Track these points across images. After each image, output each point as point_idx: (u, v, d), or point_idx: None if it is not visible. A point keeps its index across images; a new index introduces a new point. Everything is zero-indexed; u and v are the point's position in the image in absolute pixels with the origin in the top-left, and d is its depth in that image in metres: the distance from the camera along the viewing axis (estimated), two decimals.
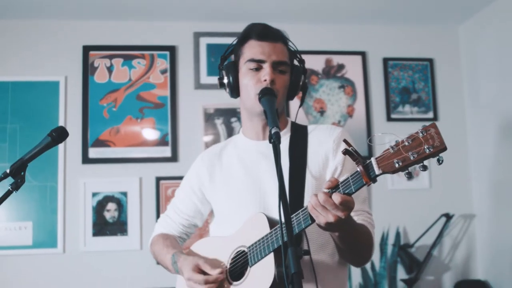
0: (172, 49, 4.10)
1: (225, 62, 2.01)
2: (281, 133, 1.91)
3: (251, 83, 1.87)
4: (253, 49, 1.90)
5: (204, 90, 4.03)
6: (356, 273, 3.89)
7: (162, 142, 3.98)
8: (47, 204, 3.80)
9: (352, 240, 1.69)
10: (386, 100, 4.29)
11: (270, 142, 1.61)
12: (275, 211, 1.80)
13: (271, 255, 1.68)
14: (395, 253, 3.96)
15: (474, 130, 4.26)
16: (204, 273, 1.80)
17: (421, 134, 1.34)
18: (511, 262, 3.80)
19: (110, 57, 4.05)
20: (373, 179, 1.43)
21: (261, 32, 1.91)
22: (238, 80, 1.94)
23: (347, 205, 1.48)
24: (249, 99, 1.90)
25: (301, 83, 1.99)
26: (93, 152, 3.91)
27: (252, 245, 1.76)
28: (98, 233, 3.83)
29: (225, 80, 1.96)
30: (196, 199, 2.10)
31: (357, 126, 4.21)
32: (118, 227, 3.84)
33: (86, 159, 3.89)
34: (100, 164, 3.91)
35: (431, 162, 1.40)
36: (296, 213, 1.62)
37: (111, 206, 3.86)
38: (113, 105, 3.99)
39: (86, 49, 4.03)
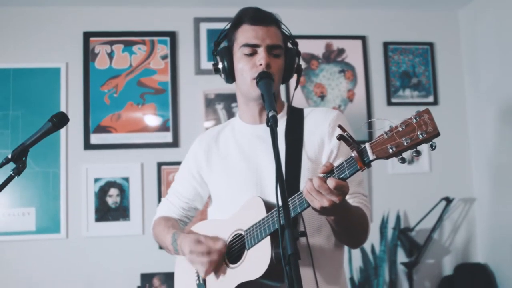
0: (172, 35, 4.11)
1: (218, 47, 2.01)
2: (278, 116, 1.92)
3: (247, 68, 1.88)
4: (246, 34, 1.89)
5: (204, 76, 4.04)
6: (356, 256, 3.92)
7: (163, 127, 3.99)
8: (49, 190, 3.83)
9: (348, 223, 1.71)
10: (386, 84, 4.30)
11: (267, 125, 1.61)
12: (272, 194, 1.82)
13: (268, 239, 1.70)
14: (395, 236, 3.99)
15: (475, 114, 4.27)
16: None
17: (414, 120, 1.35)
18: (511, 245, 3.83)
19: (111, 43, 4.05)
20: (367, 164, 1.44)
21: (254, 16, 1.91)
22: (233, 65, 1.94)
23: (341, 190, 1.49)
24: (245, 84, 1.90)
25: (295, 66, 1.99)
26: (95, 138, 3.93)
27: (249, 228, 1.78)
28: (100, 218, 3.86)
29: (220, 66, 1.96)
30: (195, 183, 2.11)
31: (357, 111, 4.22)
32: (120, 212, 3.87)
33: (88, 145, 3.91)
34: (102, 150, 3.93)
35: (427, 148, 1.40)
36: (292, 197, 1.64)
37: (113, 191, 3.89)
38: (114, 91, 4.00)
39: (87, 35, 4.03)
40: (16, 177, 2.03)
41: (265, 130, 1.88)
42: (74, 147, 3.91)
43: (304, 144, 1.89)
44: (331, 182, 1.48)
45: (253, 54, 1.88)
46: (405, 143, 1.35)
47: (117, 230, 3.85)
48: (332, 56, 4.28)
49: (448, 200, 4.05)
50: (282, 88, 4.03)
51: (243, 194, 1.89)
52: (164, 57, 4.08)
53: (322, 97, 4.22)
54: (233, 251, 1.86)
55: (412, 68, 4.35)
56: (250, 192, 1.88)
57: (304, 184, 1.80)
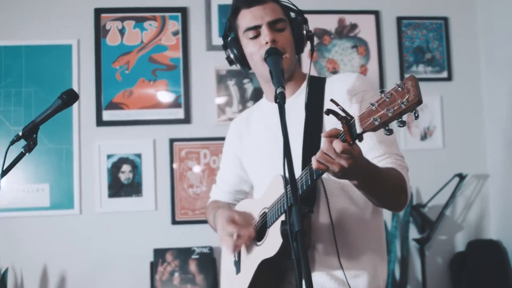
0: (183, 11, 4.08)
1: (227, 40, 2.03)
2: (299, 90, 1.96)
3: (255, 50, 1.89)
4: (245, 18, 1.91)
5: (216, 52, 4.01)
6: None
7: (175, 104, 3.99)
8: (63, 166, 3.86)
9: (376, 186, 1.65)
10: (399, 60, 4.25)
11: (275, 102, 1.60)
12: (297, 171, 1.82)
13: (283, 216, 1.71)
14: (408, 212, 3.98)
15: (489, 90, 4.22)
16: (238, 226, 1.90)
17: (399, 89, 1.27)
18: None
19: (122, 19, 4.03)
20: (356, 137, 1.40)
21: None
22: (243, 53, 1.96)
23: (349, 153, 1.43)
24: (257, 66, 1.92)
25: (305, 33, 1.96)
26: (107, 115, 3.94)
27: (270, 206, 1.82)
28: (113, 194, 3.89)
29: (232, 56, 1.98)
30: (236, 168, 2.20)
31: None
32: (133, 188, 3.90)
33: (100, 122, 3.93)
34: (114, 126, 3.94)
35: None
36: (306, 167, 1.63)
37: (126, 167, 3.91)
38: (125, 67, 3.99)
39: (98, 12, 4.01)
40: (27, 154, 2.05)
41: (288, 106, 1.87)
42: (86, 124, 3.93)
43: (324, 116, 1.84)
44: (337, 145, 1.42)
45: (257, 35, 1.88)
46: (389, 114, 1.28)
47: (130, 206, 3.88)
48: (344, 32, 4.24)
49: (461, 177, 4.03)
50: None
51: (271, 172, 1.90)
52: (175, 33, 4.06)
53: (335, 72, 4.19)
54: (260, 229, 1.91)
55: (426, 43, 4.29)
56: (277, 170, 1.85)
57: None
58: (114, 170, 3.90)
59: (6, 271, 3.63)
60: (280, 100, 1.59)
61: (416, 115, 1.26)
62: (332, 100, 1.44)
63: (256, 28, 1.87)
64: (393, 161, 1.78)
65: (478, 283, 3.88)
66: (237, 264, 1.99)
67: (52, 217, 3.83)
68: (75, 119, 3.90)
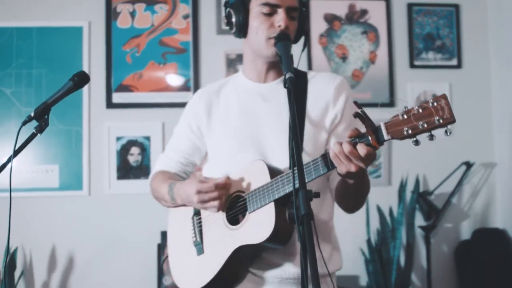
0: None
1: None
2: (282, 78, 1.90)
3: (263, 27, 1.84)
4: None
5: (226, 36, 4.02)
6: (374, 218, 3.94)
7: (184, 87, 4.01)
8: (72, 148, 3.90)
9: (361, 185, 1.74)
10: (409, 46, 4.24)
11: (284, 87, 1.62)
12: (270, 155, 1.84)
13: (272, 204, 1.71)
14: (414, 200, 3.99)
15: (498, 78, 4.20)
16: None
17: (431, 104, 1.38)
18: None
19: (133, 2, 4.04)
20: (381, 143, 1.48)
21: None
22: (247, 21, 1.89)
23: (370, 157, 1.51)
24: (259, 42, 1.87)
25: (305, 28, 1.97)
26: (117, 97, 3.96)
27: (252, 192, 1.78)
28: (122, 176, 3.92)
29: (233, 19, 1.91)
30: (193, 137, 2.06)
31: (379, 73, 4.18)
32: (142, 170, 3.93)
33: (110, 104, 3.96)
34: (124, 109, 3.97)
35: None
36: (314, 159, 1.64)
37: (135, 150, 3.94)
38: (136, 50, 4.01)
39: None
40: (38, 134, 2.07)
41: (269, 90, 1.89)
42: (96, 106, 3.96)
43: (307, 108, 1.87)
44: (362, 149, 1.49)
45: (272, 13, 1.84)
46: (420, 127, 1.39)
47: (139, 188, 3.91)
48: (355, 17, 4.23)
49: (469, 165, 4.03)
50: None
51: (241, 154, 1.88)
52: (185, 17, 4.07)
53: (344, 58, 4.19)
54: (231, 213, 1.86)
55: (436, 30, 4.28)
56: (248, 153, 1.87)
57: (307, 147, 1.83)
58: (123, 152, 3.93)
59: (15, 250, 3.69)
60: (289, 85, 1.61)
61: (449, 133, 1.39)
62: (355, 103, 1.50)
63: (274, 7, 1.83)
64: None
65: (482, 272, 3.90)
66: (199, 245, 1.91)
67: (61, 198, 3.88)
68: (85, 101, 3.93)
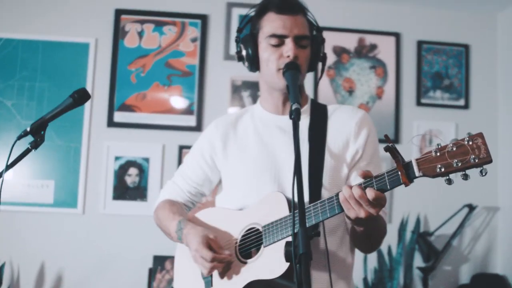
0: (203, 18, 4.06)
1: (241, 34, 1.95)
2: (302, 110, 1.86)
3: (273, 58, 1.81)
4: (273, 23, 1.82)
5: (233, 61, 3.99)
6: (372, 257, 3.85)
7: (187, 110, 3.96)
8: (70, 164, 3.83)
9: (373, 232, 1.70)
10: (417, 84, 4.20)
11: (290, 118, 1.57)
12: (287, 188, 1.77)
13: (289, 238, 1.65)
14: (414, 240, 3.91)
15: (505, 121, 4.15)
16: (212, 249, 1.77)
17: (467, 142, 1.33)
18: None
19: (142, 22, 4.02)
20: (411, 180, 1.42)
21: (280, 4, 1.83)
22: (257, 53, 1.87)
23: (379, 202, 1.47)
24: (270, 74, 1.84)
25: (321, 55, 1.93)
26: (119, 116, 3.91)
27: (269, 224, 1.73)
28: (118, 196, 3.85)
29: (244, 53, 1.90)
30: (206, 167, 2.03)
31: (385, 109, 4.14)
32: (138, 192, 3.86)
33: (111, 123, 3.91)
34: (125, 128, 3.92)
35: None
36: (322, 200, 1.60)
37: (133, 171, 3.88)
38: (141, 70, 3.97)
39: (118, 13, 4.01)
40: (33, 150, 2.01)
41: (287, 122, 1.83)
42: (97, 124, 3.91)
43: (327, 141, 1.83)
44: (370, 193, 1.45)
45: (280, 44, 1.81)
46: (454, 165, 1.35)
47: (134, 209, 3.84)
48: (364, 51, 4.20)
49: (471, 207, 3.96)
50: (310, 77, 3.96)
51: (258, 186, 1.83)
52: (193, 40, 4.04)
53: (351, 92, 4.15)
54: (245, 245, 1.81)
55: (445, 69, 4.24)
56: (266, 185, 1.82)
57: (326, 182, 1.77)
58: (121, 172, 3.87)
59: (3, 265, 3.60)
60: (295, 116, 1.56)
61: (484, 174, 1.33)
62: (386, 136, 1.45)
63: (281, 38, 1.80)
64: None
65: None
66: (207, 278, 1.86)
67: (54, 215, 3.80)
68: (86, 118, 3.88)
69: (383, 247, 3.86)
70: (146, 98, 3.95)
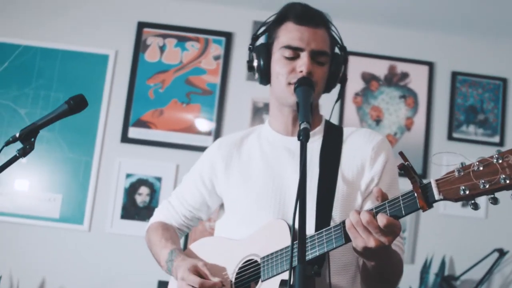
0: (228, 36, 3.92)
1: (256, 43, 1.78)
2: (314, 132, 1.70)
3: (284, 71, 1.64)
4: (290, 34, 1.66)
5: (256, 83, 3.76)
6: None
7: (205, 131, 3.79)
8: (79, 179, 3.69)
9: (386, 269, 1.47)
10: (449, 117, 3.96)
11: (298, 139, 1.39)
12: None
13: (286, 274, 1.46)
14: (437, 283, 3.65)
15: None
16: (201, 276, 1.58)
17: (496, 161, 1.12)
18: None
19: (164, 36, 3.89)
20: (430, 204, 1.22)
21: (300, 14, 1.67)
22: (269, 65, 1.70)
23: (392, 230, 1.27)
24: (280, 88, 1.67)
25: (340, 75, 1.75)
26: (133, 132, 3.77)
27: (268, 256, 1.54)
28: (126, 216, 3.69)
29: (255, 64, 1.73)
30: (204, 190, 1.85)
31: (414, 141, 3.91)
32: (148, 212, 3.68)
33: (125, 138, 3.76)
34: (139, 145, 3.77)
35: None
36: (327, 228, 1.41)
37: (144, 190, 3.71)
38: (160, 86, 3.83)
39: (141, 26, 3.89)
40: (21, 158, 1.84)
41: (297, 144, 1.63)
42: (110, 138, 3.77)
43: (340, 166, 1.64)
44: (381, 219, 1.25)
45: (294, 57, 1.64)
46: (481, 186, 1.13)
47: (142, 230, 3.56)
48: (394, 79, 3.99)
49: (502, 252, 3.69)
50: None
51: (261, 213, 1.64)
52: (216, 58, 3.89)
53: (378, 121, 3.93)
54: (242, 278, 1.62)
55: (480, 103, 4.00)
56: (270, 212, 1.63)
57: (337, 212, 1.57)
58: (131, 190, 3.71)
59: (0, 278, 3.45)
60: (303, 137, 1.38)
61: None
62: (401, 154, 1.27)
63: (296, 50, 1.64)
64: (396, 243, 1.59)
65: None
66: None
67: (59, 230, 3.66)
68: (100, 131, 3.74)
69: None
70: (163, 115, 3.80)
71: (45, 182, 3.68)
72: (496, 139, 3.95)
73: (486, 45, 4.06)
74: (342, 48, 1.79)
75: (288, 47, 1.64)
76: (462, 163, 1.19)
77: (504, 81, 4.03)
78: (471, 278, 3.72)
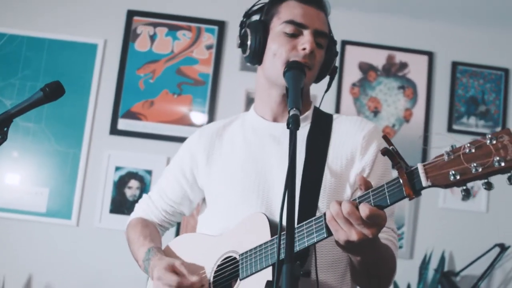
0: (221, 24, 3.79)
1: (249, 20, 1.67)
2: (301, 118, 1.57)
3: (283, 50, 1.53)
4: (294, 10, 1.56)
5: (249, 73, 3.70)
6: None
7: (197, 122, 3.68)
8: (67, 172, 3.58)
9: (374, 265, 1.36)
10: (449, 108, 3.85)
11: (287, 127, 1.28)
12: (277, 209, 1.48)
13: (269, 270, 1.36)
14: (437, 279, 3.55)
15: None
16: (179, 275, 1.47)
17: (489, 141, 1.02)
18: None
19: (155, 25, 3.77)
20: (417, 191, 1.11)
21: None
22: (265, 43, 1.58)
23: (376, 221, 1.16)
24: (274, 67, 1.55)
25: (332, 66, 1.66)
26: (123, 124, 3.65)
27: (246, 252, 1.43)
28: (115, 210, 3.58)
29: (249, 42, 1.60)
30: (185, 183, 1.74)
31: (413, 133, 3.79)
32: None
33: (114, 130, 3.65)
34: (128, 137, 3.66)
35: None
36: (309, 221, 1.29)
37: (134, 183, 3.60)
38: (150, 76, 3.72)
39: (131, 14, 3.77)
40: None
41: (283, 130, 1.53)
42: (99, 130, 3.66)
43: (328, 156, 1.53)
44: (364, 209, 1.14)
45: (295, 35, 1.54)
46: (473, 171, 1.02)
47: None
48: (392, 70, 3.87)
49: (503, 247, 3.59)
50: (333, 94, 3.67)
51: (243, 206, 1.53)
52: (209, 47, 3.77)
53: (376, 112, 3.82)
54: (221, 277, 1.51)
55: (481, 94, 3.88)
56: (252, 205, 1.52)
57: (324, 205, 1.45)
58: (121, 184, 3.59)
59: None
60: (293, 125, 1.27)
61: None
62: (385, 137, 1.17)
63: (300, 27, 1.54)
64: (389, 238, 1.49)
65: None
66: None
67: (46, 225, 3.55)
68: (88, 123, 3.63)
69: (402, 286, 3.52)
70: (153, 106, 3.68)
71: (31, 175, 3.57)
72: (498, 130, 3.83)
73: (488, 35, 3.94)
74: (334, 42, 1.69)
75: (291, 22, 1.55)
76: (452, 146, 1.08)
77: (506, 71, 3.91)
78: (472, 273, 3.63)
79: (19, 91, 3.63)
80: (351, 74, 3.83)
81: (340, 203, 1.18)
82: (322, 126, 1.60)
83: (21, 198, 3.53)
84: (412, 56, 3.89)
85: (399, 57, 3.89)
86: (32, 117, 3.57)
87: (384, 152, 1.15)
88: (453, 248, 3.71)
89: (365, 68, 3.86)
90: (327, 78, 1.70)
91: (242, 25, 1.68)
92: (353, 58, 3.84)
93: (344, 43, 3.80)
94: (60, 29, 3.73)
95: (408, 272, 3.58)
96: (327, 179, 1.50)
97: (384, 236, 1.46)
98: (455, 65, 3.89)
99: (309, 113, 1.64)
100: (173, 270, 1.49)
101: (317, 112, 1.66)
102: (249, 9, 1.69)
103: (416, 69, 3.88)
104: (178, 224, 3.45)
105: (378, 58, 3.88)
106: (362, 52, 3.86)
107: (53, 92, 1.76)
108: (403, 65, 3.88)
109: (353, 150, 1.54)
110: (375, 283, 1.47)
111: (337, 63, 1.71)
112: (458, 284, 3.57)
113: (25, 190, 3.55)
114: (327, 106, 1.74)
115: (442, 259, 3.62)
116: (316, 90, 1.77)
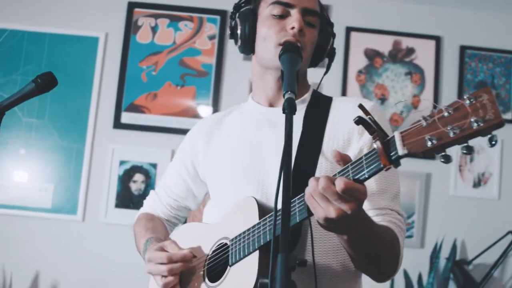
0: (223, 14, 3.73)
1: (239, 10, 1.62)
2: (298, 100, 1.54)
3: (272, 32, 1.49)
4: None
5: None
6: (399, 285, 3.44)
7: (201, 114, 3.63)
8: (71, 167, 3.55)
9: (368, 248, 1.29)
10: (458, 93, 3.76)
11: (283, 112, 1.23)
12: (273, 192, 1.41)
13: (256, 254, 1.32)
14: (448, 268, 3.49)
15: None
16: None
17: (468, 102, 0.93)
18: None
19: (156, 16, 3.72)
20: (394, 161, 1.04)
21: None
22: (255, 32, 1.55)
23: (354, 195, 1.09)
24: (266, 51, 1.51)
25: (329, 48, 1.61)
26: (126, 117, 3.61)
27: (236, 238, 1.40)
28: (121, 204, 3.54)
29: (239, 30, 1.56)
30: (187, 177, 1.73)
31: None
32: (143, 200, 3.53)
33: (117, 124, 3.61)
34: (132, 130, 3.62)
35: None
36: (292, 200, 1.23)
37: (138, 177, 3.56)
38: (153, 68, 3.67)
39: (131, 6, 3.72)
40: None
41: (280, 115, 1.48)
42: (102, 124, 3.62)
43: (324, 139, 1.48)
44: (339, 183, 1.07)
45: (284, 16, 1.50)
46: (451, 134, 0.94)
47: None
48: (399, 56, 3.79)
49: None
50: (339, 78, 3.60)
51: (241, 192, 1.50)
52: (211, 37, 3.72)
53: (383, 99, 3.75)
54: (215, 265, 1.48)
55: (490, 78, 3.79)
56: (249, 190, 1.49)
57: None
58: (126, 178, 3.56)
59: None
60: (288, 108, 1.22)
61: (493, 142, 0.93)
62: (360, 106, 1.12)
63: (287, 7, 1.50)
64: (391, 220, 1.42)
65: None
66: None
67: (52, 221, 3.53)
68: (92, 117, 3.60)
69: (413, 275, 3.45)
70: (156, 98, 3.63)
71: (36, 171, 3.54)
72: (508, 115, 3.75)
73: (497, 17, 3.85)
74: (330, 24, 1.63)
75: (277, 2, 1.50)
76: (433, 110, 1.01)
77: None
78: (484, 262, 3.55)
79: (21, 86, 3.55)
80: (357, 61, 3.76)
81: (317, 179, 1.12)
82: (319, 109, 1.56)
83: (26, 195, 3.51)
84: (419, 41, 3.81)
85: (406, 42, 3.81)
86: (36, 113, 3.54)
87: (358, 121, 1.09)
88: (464, 236, 3.64)
89: (371, 54, 3.79)
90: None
91: (232, 16, 1.64)
92: (358, 45, 3.77)
93: (349, 29, 3.72)
94: (61, 23, 3.69)
95: (419, 261, 3.52)
96: (322, 165, 1.45)
97: (387, 218, 1.40)
98: (463, 49, 3.81)
99: (307, 96, 1.60)
100: (163, 250, 1.48)
101: (316, 95, 1.61)
102: (238, 1, 1.64)
103: (423, 54, 3.80)
104: (185, 219, 3.41)
105: (384, 44, 3.80)
106: (367, 38, 3.78)
107: (45, 83, 1.74)
108: (410, 51, 3.80)
109: (351, 131, 1.49)
110: (375, 266, 1.39)
111: (340, 48, 1.66)
112: (471, 272, 3.51)
113: (30, 187, 3.52)
114: (333, 94, 1.69)
115: (453, 248, 3.55)
116: (323, 78, 1.71)
